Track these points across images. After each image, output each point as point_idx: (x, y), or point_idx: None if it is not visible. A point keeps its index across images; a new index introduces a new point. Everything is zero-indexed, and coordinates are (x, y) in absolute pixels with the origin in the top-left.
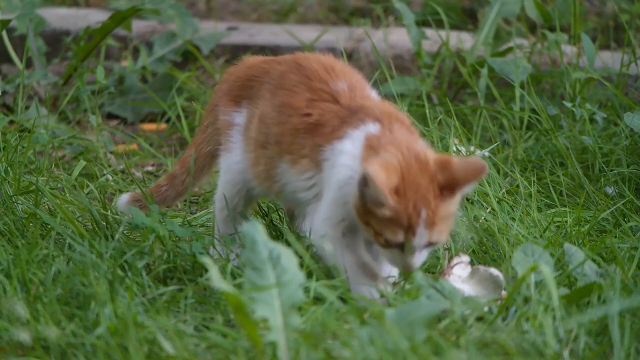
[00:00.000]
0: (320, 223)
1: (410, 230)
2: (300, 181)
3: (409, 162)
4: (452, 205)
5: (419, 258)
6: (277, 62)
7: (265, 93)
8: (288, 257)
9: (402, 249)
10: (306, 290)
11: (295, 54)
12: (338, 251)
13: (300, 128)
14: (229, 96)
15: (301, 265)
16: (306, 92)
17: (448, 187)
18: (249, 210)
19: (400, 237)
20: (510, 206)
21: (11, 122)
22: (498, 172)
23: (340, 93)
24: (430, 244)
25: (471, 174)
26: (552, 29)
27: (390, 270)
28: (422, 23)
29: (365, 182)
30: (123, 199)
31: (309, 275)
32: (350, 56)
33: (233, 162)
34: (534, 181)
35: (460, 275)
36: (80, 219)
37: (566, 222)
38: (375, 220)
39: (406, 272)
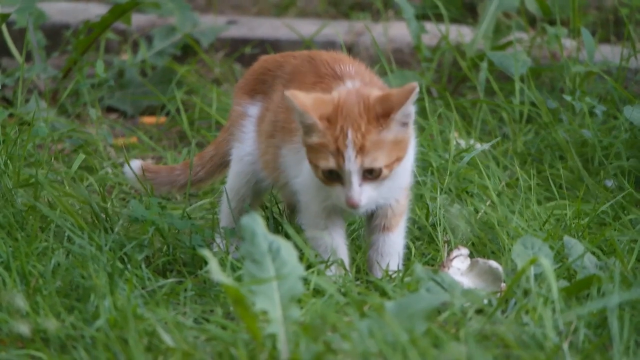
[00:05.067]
0: (306, 207)
1: (339, 153)
2: (293, 156)
3: (348, 98)
4: (390, 133)
5: (363, 192)
6: (293, 56)
7: (279, 86)
8: (288, 250)
9: (341, 181)
10: (306, 282)
11: (310, 50)
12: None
13: None
14: (244, 89)
15: (301, 258)
16: (313, 77)
17: (384, 115)
18: (256, 204)
19: (331, 162)
20: (510, 199)
21: (11, 115)
22: (498, 165)
23: (345, 73)
24: (368, 172)
25: (403, 96)
26: (551, 23)
27: (394, 265)
28: (421, 17)
29: (294, 109)
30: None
31: (309, 267)
32: (350, 50)
33: (244, 153)
34: (533, 174)
35: (459, 268)
36: (79, 211)
37: (566, 215)
38: (312, 153)
39: (351, 207)
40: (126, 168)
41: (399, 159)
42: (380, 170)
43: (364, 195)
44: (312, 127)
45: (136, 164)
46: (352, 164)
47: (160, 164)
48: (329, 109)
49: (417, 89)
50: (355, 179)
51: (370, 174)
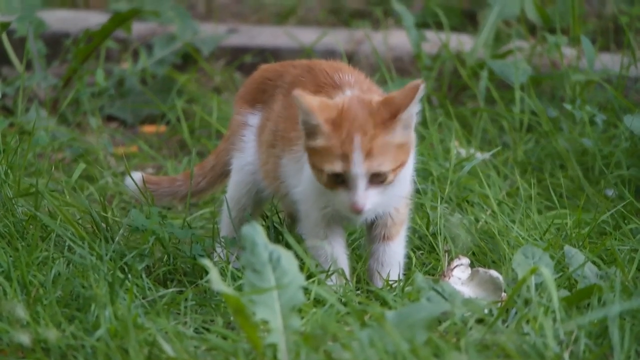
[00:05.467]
0: (306, 216)
1: (345, 157)
2: (294, 165)
3: (351, 103)
4: (396, 135)
5: (368, 197)
6: (293, 65)
7: (279, 96)
8: (288, 259)
9: (346, 185)
10: (306, 292)
11: (310, 60)
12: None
13: (298, 115)
14: (244, 99)
15: (301, 268)
16: (312, 86)
17: (390, 117)
18: (257, 213)
19: (337, 166)
20: (511, 208)
21: (11, 124)
22: (498, 174)
23: (344, 82)
24: (374, 177)
25: (408, 95)
26: (552, 31)
27: (394, 275)
28: (421, 25)
29: (300, 109)
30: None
31: (309, 277)
32: (351, 58)
33: (245, 163)
34: (534, 183)
35: (460, 278)
36: (80, 221)
37: (566, 224)
38: (317, 157)
39: (355, 212)
40: (127, 180)
41: (402, 164)
42: (386, 175)
43: (369, 200)
44: (317, 129)
45: (137, 176)
46: (359, 168)
47: (160, 174)
48: (333, 113)
49: (422, 86)
50: (362, 183)
51: (377, 179)
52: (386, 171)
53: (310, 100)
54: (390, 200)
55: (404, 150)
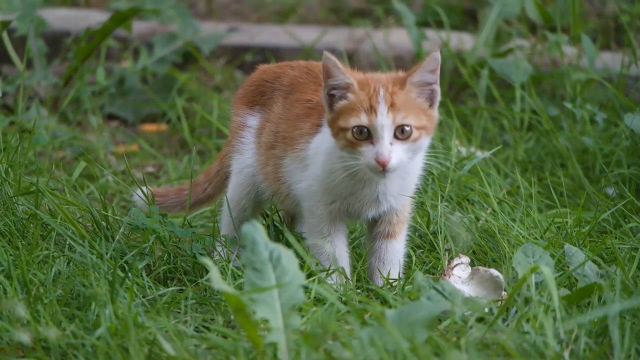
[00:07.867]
0: (310, 213)
1: (372, 109)
2: (298, 164)
3: (372, 74)
4: (412, 94)
5: (394, 151)
6: (290, 66)
7: (278, 98)
8: (288, 258)
9: (372, 140)
10: (307, 291)
11: (308, 61)
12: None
13: (300, 114)
14: (242, 100)
15: (302, 266)
16: (313, 86)
17: (404, 78)
18: (257, 213)
19: (363, 118)
20: (511, 207)
21: (12, 123)
22: (499, 173)
23: None
24: (399, 130)
25: (420, 63)
26: (552, 30)
27: (395, 274)
28: (422, 24)
29: (327, 70)
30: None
31: (310, 276)
32: (351, 57)
33: (244, 165)
34: (534, 182)
35: (460, 276)
36: (80, 219)
37: (567, 223)
38: (343, 117)
39: (381, 167)
40: (135, 196)
41: (424, 128)
42: (410, 131)
43: (394, 154)
44: (347, 87)
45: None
46: (385, 119)
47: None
48: (359, 76)
49: (435, 56)
50: (387, 135)
51: (402, 134)
52: (410, 125)
53: (340, 64)
54: (406, 185)
55: (425, 115)
